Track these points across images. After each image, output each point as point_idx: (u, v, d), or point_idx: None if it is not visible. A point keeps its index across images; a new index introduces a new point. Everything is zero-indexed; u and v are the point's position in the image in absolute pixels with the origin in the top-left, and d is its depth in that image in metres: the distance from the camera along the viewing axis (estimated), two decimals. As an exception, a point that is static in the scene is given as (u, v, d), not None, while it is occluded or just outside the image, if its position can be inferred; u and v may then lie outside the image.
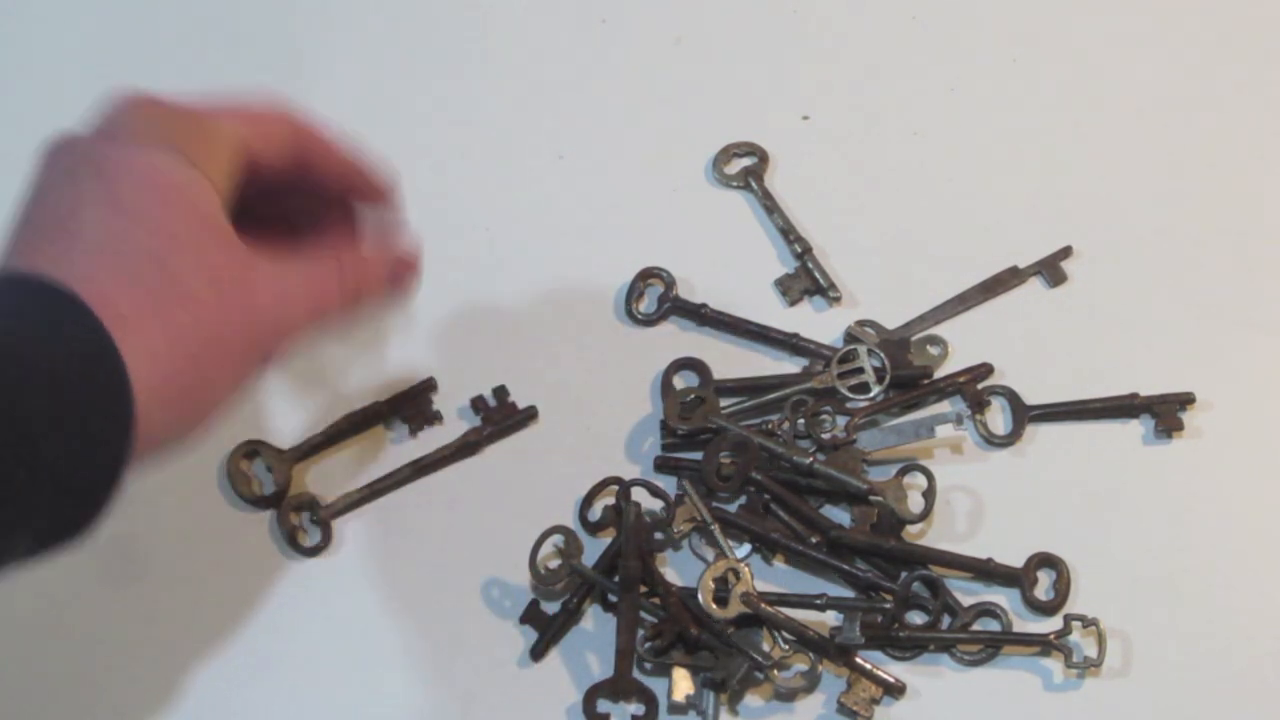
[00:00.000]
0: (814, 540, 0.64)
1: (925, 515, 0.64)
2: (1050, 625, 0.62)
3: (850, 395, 0.67)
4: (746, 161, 0.76)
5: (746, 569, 0.61)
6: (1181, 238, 0.73)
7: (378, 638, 0.64)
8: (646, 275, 0.72)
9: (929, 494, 0.64)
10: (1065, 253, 0.72)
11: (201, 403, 0.51)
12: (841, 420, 0.67)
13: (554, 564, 0.64)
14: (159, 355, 0.49)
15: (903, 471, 0.65)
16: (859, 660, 0.61)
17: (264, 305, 0.53)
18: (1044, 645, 0.62)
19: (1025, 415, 0.68)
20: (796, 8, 0.81)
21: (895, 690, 0.61)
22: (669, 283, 0.71)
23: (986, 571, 0.63)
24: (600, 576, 0.63)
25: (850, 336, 0.70)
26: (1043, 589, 0.63)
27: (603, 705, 0.61)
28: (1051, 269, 0.72)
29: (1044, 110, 0.77)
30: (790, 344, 0.70)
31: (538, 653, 0.63)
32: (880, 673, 0.61)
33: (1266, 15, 0.80)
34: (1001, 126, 0.77)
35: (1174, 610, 0.63)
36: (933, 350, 0.69)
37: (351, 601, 0.64)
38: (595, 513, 0.65)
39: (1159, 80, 0.78)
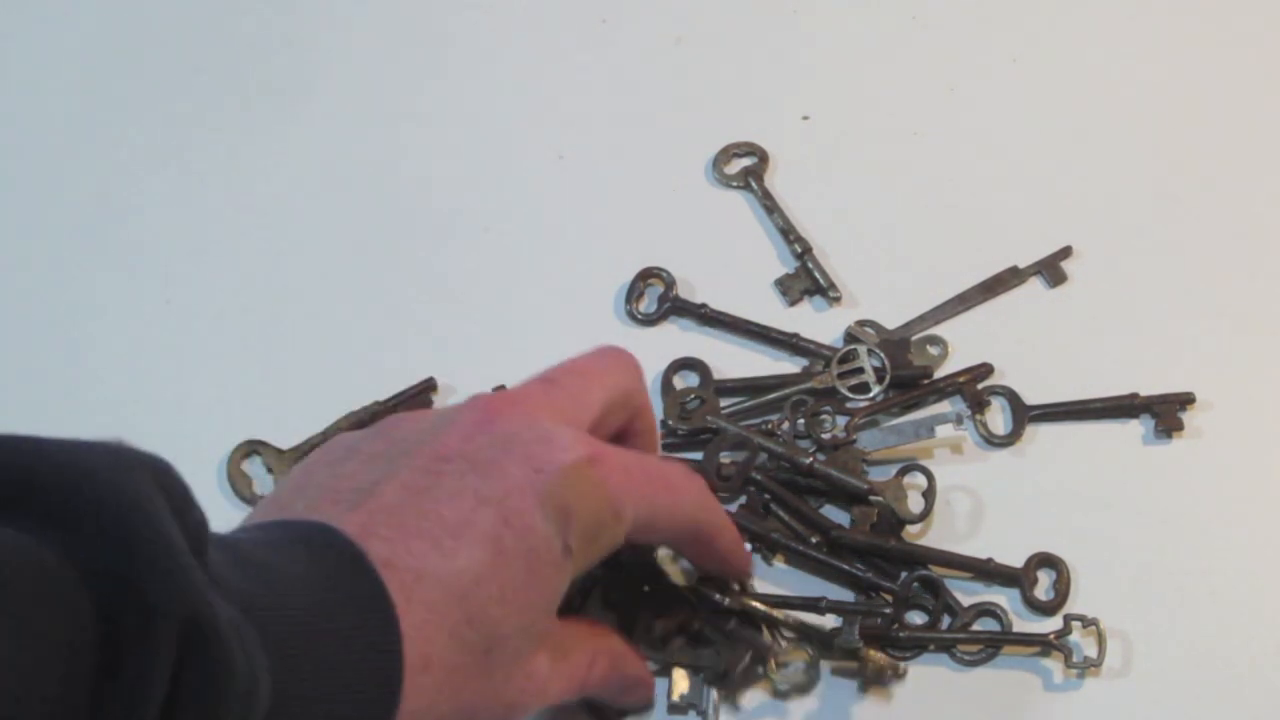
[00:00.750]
0: (814, 540, 0.64)
1: (925, 515, 0.64)
2: (1050, 625, 0.62)
3: (850, 395, 0.67)
4: (746, 161, 0.76)
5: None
6: (1181, 238, 0.73)
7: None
8: (646, 275, 0.72)
9: (929, 494, 0.64)
10: (1065, 253, 0.72)
11: None
12: (841, 420, 0.67)
13: None
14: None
15: (903, 471, 0.65)
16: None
17: (520, 702, 0.51)
18: (1044, 645, 0.62)
19: (1025, 415, 0.68)
20: (796, 8, 0.81)
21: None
22: (669, 283, 0.71)
23: (986, 571, 0.63)
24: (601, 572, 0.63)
25: (850, 336, 0.70)
26: (1043, 589, 0.63)
27: None
28: (1051, 269, 0.72)
29: (1044, 110, 0.77)
30: (790, 344, 0.70)
31: None
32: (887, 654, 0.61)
33: (1266, 15, 0.80)
34: (1001, 126, 0.77)
35: (1174, 610, 0.63)
36: (933, 350, 0.69)
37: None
38: None
39: (1159, 80, 0.78)
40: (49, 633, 0.37)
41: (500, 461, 0.50)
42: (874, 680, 0.60)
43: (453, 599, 0.47)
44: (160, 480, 0.41)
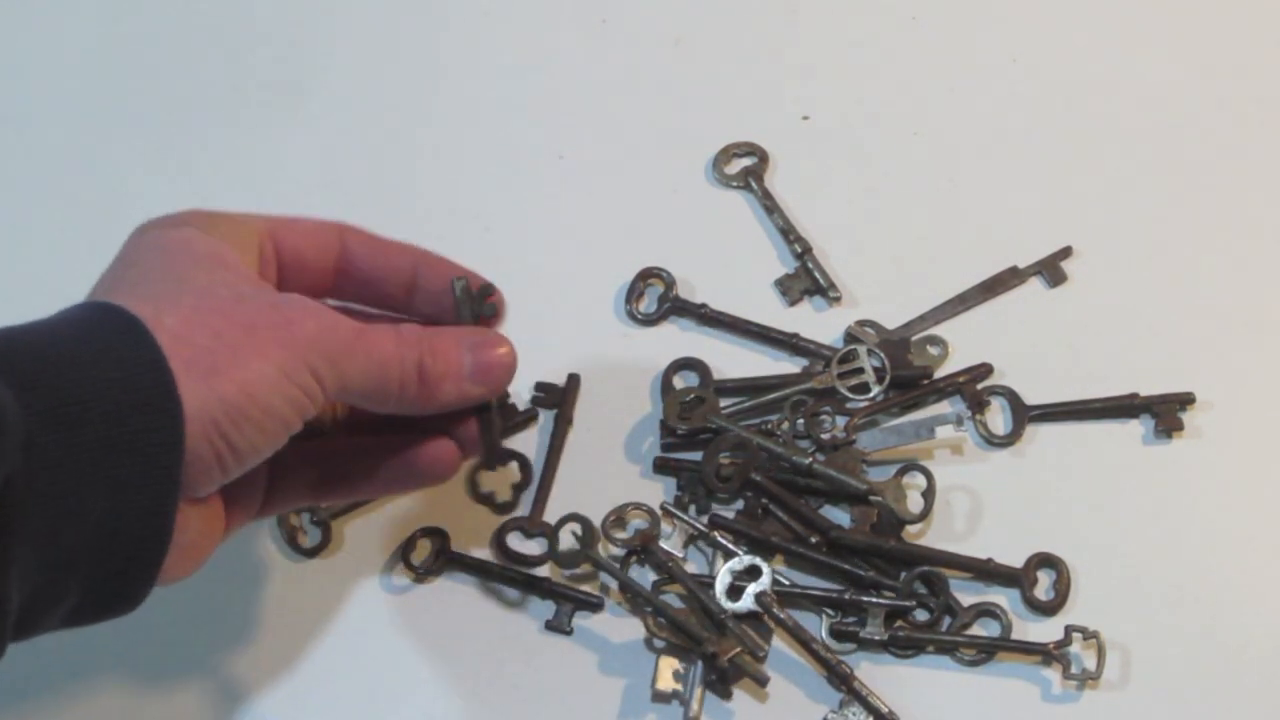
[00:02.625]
0: (813, 540, 0.64)
1: (925, 515, 0.64)
2: (1051, 625, 0.62)
3: (850, 395, 0.67)
4: (746, 161, 0.76)
5: (767, 568, 0.62)
6: (1181, 238, 0.73)
7: (378, 638, 0.64)
8: (646, 275, 0.72)
9: (928, 494, 0.64)
10: (1065, 253, 0.72)
11: (245, 433, 0.49)
12: (841, 420, 0.67)
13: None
14: (187, 337, 0.49)
15: (902, 471, 0.65)
16: (857, 684, 0.61)
17: (298, 321, 0.51)
18: (1044, 655, 0.61)
19: (1025, 415, 0.68)
20: (796, 8, 0.81)
21: None
22: (669, 283, 0.71)
23: (987, 571, 0.63)
24: (615, 567, 0.63)
25: (850, 336, 0.70)
26: (1043, 589, 0.63)
27: (513, 539, 0.65)
28: (1051, 269, 0.72)
29: (1044, 110, 0.77)
30: (790, 344, 0.70)
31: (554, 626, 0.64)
32: (875, 700, 0.61)
33: (1266, 15, 0.80)
34: (1001, 126, 0.77)
35: (1174, 610, 0.63)
36: (933, 350, 0.69)
37: (351, 602, 0.64)
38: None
39: (1159, 80, 0.78)
40: None
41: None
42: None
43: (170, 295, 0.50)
44: None
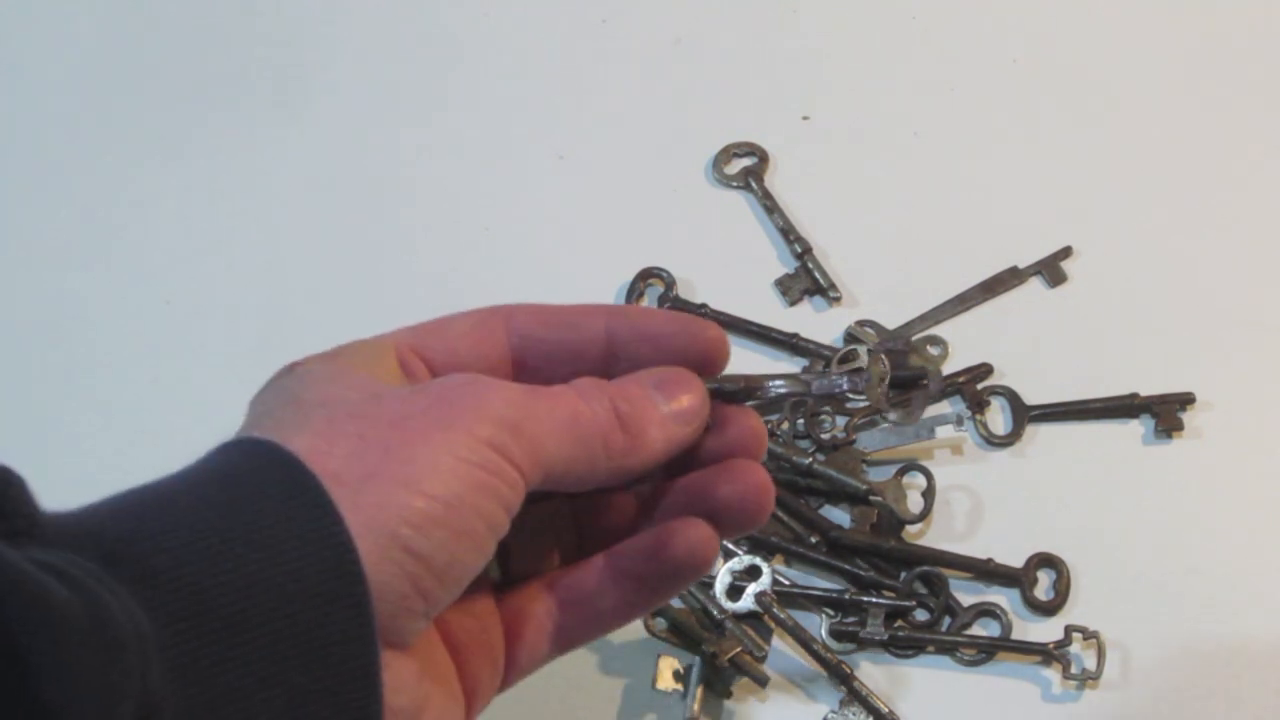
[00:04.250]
0: (813, 540, 0.64)
1: (925, 515, 0.64)
2: (1051, 625, 0.62)
3: (851, 395, 0.67)
4: (746, 161, 0.76)
5: (767, 568, 0.62)
6: (1181, 238, 0.73)
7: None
8: (646, 275, 0.72)
9: (928, 493, 0.64)
10: (1065, 253, 0.72)
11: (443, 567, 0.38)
12: (841, 420, 0.67)
13: None
14: (325, 449, 0.39)
15: (902, 471, 0.65)
16: (857, 684, 0.61)
17: (458, 396, 0.41)
18: (1044, 655, 0.61)
19: (1025, 415, 0.68)
20: (796, 8, 0.81)
21: None
22: (669, 283, 0.71)
23: (987, 572, 0.63)
24: None
25: (850, 336, 0.70)
26: (1043, 589, 0.63)
27: None
28: (1051, 269, 0.72)
29: (1044, 110, 0.77)
30: (790, 344, 0.70)
31: None
32: (875, 700, 0.61)
33: (1266, 15, 0.80)
34: (1001, 126, 0.77)
35: (1174, 610, 0.63)
36: (933, 350, 0.69)
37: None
38: None
39: (1159, 80, 0.78)
40: None
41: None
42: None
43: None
44: None
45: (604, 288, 0.72)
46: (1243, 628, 0.63)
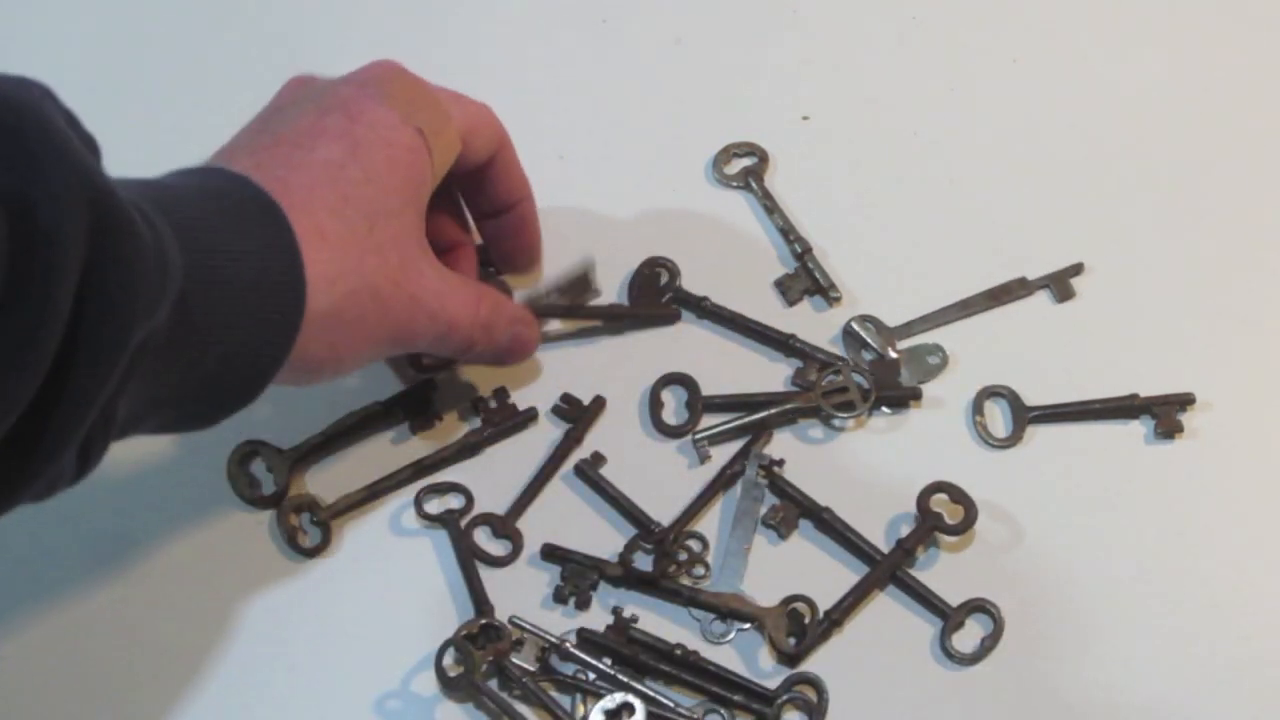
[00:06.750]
0: (677, 652, 0.62)
1: (803, 653, 0.62)
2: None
3: (835, 413, 0.67)
4: (746, 161, 0.76)
5: (641, 707, 0.60)
6: (1181, 239, 0.73)
7: (378, 638, 0.64)
8: (652, 264, 0.72)
9: (811, 626, 0.62)
10: (1076, 269, 0.71)
11: (342, 350, 0.57)
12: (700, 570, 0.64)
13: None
14: (334, 287, 0.55)
15: (786, 602, 0.63)
16: None
17: (422, 298, 0.59)
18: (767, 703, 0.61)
19: (1025, 416, 0.68)
20: (796, 8, 0.81)
21: None
22: (674, 273, 0.71)
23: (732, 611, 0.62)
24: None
25: (849, 334, 0.70)
26: (787, 633, 0.62)
27: (480, 535, 0.65)
28: (1060, 284, 0.71)
29: (1044, 110, 0.77)
30: (787, 344, 0.69)
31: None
32: None
33: (1271, 19, 0.80)
34: (1001, 127, 0.77)
35: (1174, 610, 0.63)
36: (932, 360, 0.69)
37: (351, 602, 0.64)
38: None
39: (1160, 81, 0.78)
40: None
41: (334, 87, 0.60)
42: None
43: (324, 182, 0.56)
44: (54, 99, 0.47)
45: (604, 287, 0.72)
46: (1243, 628, 0.63)
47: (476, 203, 0.68)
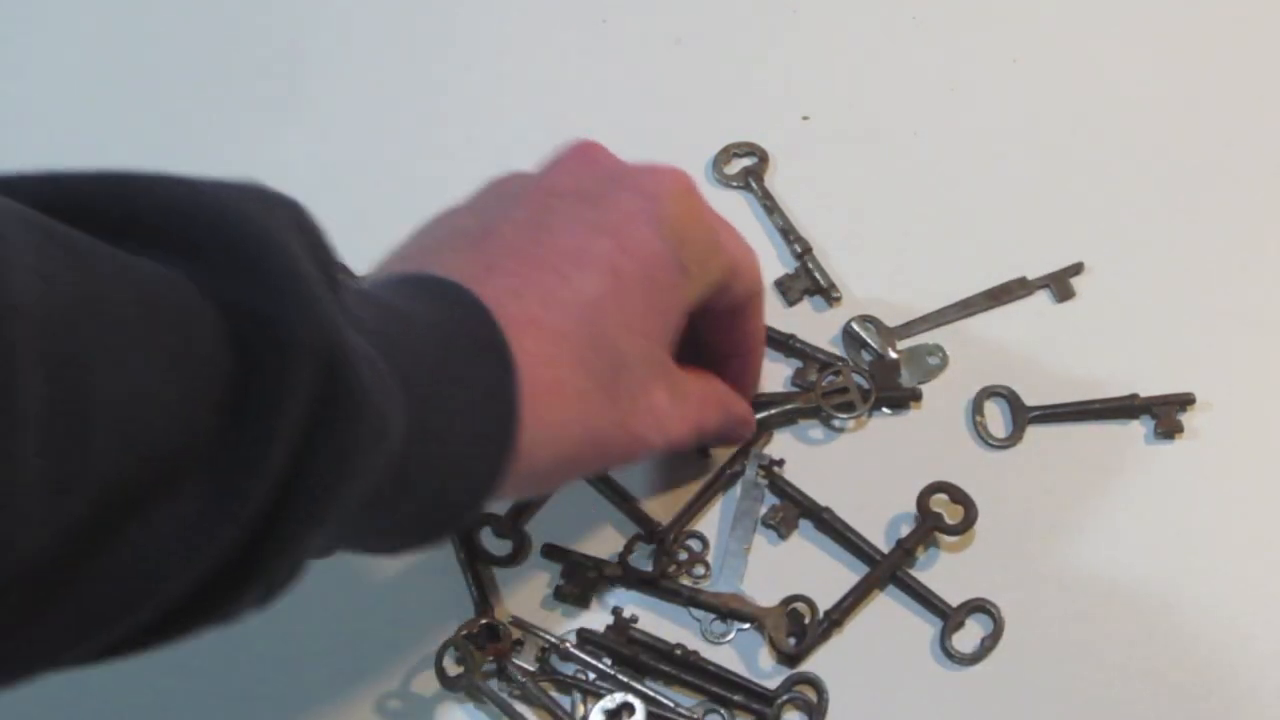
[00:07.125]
0: (677, 652, 0.62)
1: (802, 653, 0.62)
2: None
3: (835, 414, 0.67)
4: (746, 161, 0.76)
5: (641, 706, 0.60)
6: (1181, 240, 0.73)
7: (378, 638, 0.64)
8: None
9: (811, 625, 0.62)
10: (1076, 269, 0.72)
11: (545, 486, 0.56)
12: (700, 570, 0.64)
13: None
14: (558, 441, 0.50)
15: (786, 602, 0.63)
16: None
17: (646, 436, 0.54)
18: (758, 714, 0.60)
19: (1025, 416, 0.68)
20: (796, 8, 0.81)
21: None
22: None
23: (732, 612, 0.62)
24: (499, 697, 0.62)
25: (849, 333, 0.70)
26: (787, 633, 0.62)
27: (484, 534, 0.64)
28: (1060, 284, 0.71)
29: (1044, 110, 0.77)
30: (786, 344, 0.69)
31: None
32: None
33: (1272, 18, 0.80)
34: (1001, 127, 0.77)
35: (1173, 611, 0.63)
36: (931, 360, 0.69)
37: (351, 602, 0.64)
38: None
39: (1160, 81, 0.78)
40: (191, 363, 0.37)
41: (610, 193, 0.54)
42: None
43: (578, 324, 0.50)
44: (297, 220, 0.42)
45: (604, 288, 0.72)
46: (1243, 628, 0.63)
47: (707, 334, 0.61)
